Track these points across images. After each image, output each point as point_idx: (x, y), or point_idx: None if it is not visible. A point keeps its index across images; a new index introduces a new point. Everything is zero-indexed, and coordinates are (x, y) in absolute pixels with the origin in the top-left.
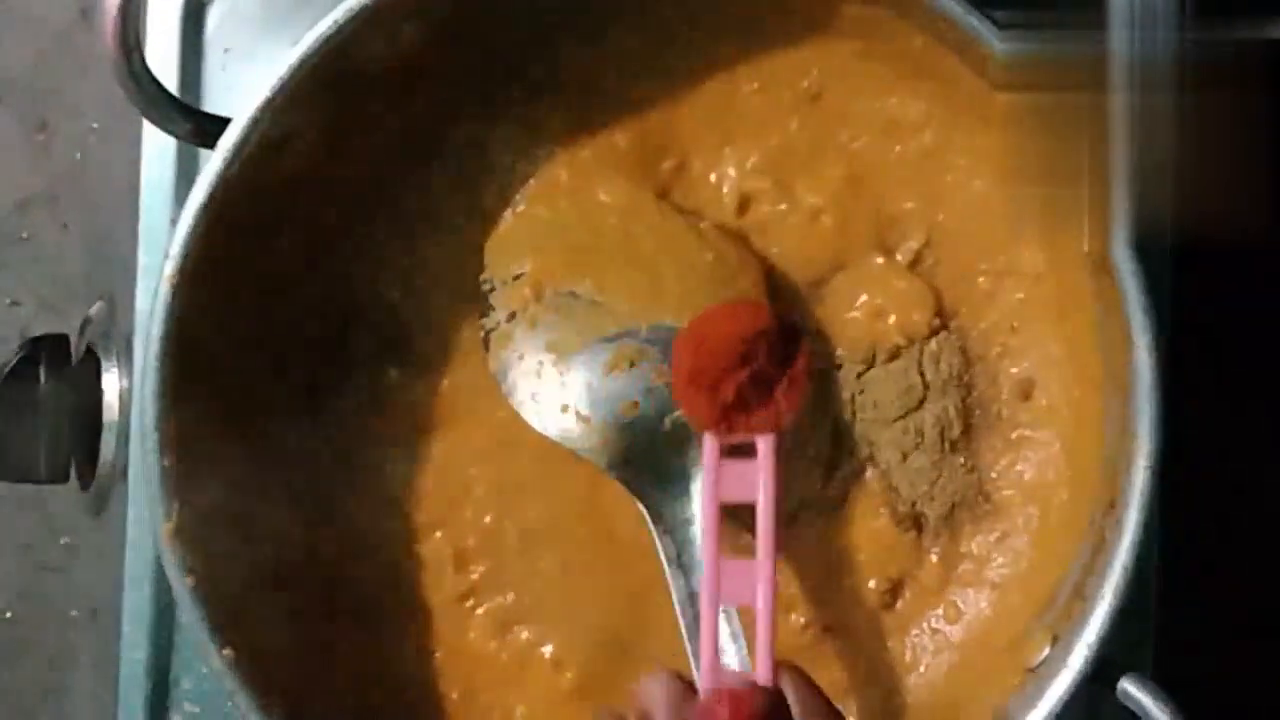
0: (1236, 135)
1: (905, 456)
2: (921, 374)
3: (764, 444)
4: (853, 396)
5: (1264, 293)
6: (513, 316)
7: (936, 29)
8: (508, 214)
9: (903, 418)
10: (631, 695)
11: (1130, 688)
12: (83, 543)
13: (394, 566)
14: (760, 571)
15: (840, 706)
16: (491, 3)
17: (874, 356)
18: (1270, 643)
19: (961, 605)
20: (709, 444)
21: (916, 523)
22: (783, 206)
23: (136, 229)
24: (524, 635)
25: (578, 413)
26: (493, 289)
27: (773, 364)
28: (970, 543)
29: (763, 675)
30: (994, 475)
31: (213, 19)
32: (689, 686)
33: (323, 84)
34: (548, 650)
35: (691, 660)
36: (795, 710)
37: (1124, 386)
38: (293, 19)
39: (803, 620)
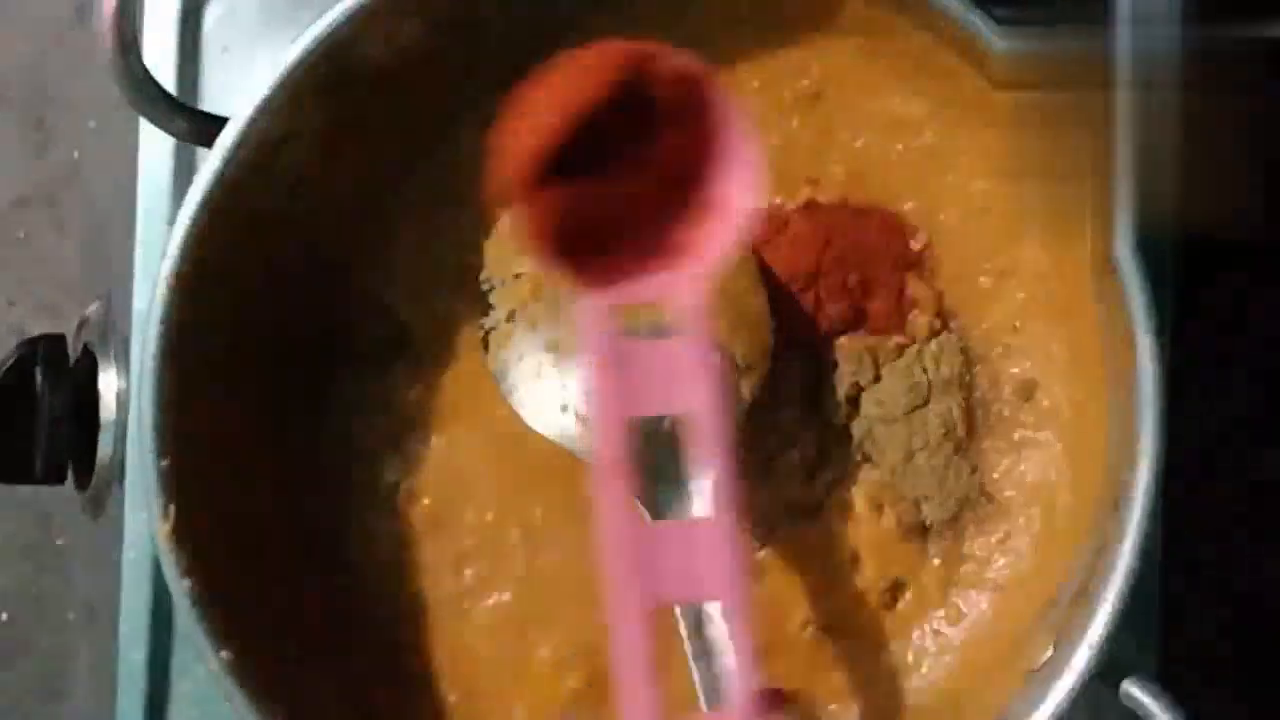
0: (1237, 135)
1: (908, 457)
2: (925, 373)
3: (687, 304)
4: (849, 396)
5: (1266, 292)
6: (512, 316)
7: (937, 27)
8: (508, 213)
9: (907, 416)
10: None
11: (1133, 689)
12: (80, 544)
13: (393, 567)
14: (715, 533)
15: (841, 708)
16: (491, 2)
17: (876, 358)
18: (1274, 644)
19: (963, 606)
20: (589, 315)
21: (918, 524)
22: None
23: (134, 229)
24: (524, 636)
25: (577, 413)
26: (492, 289)
27: (669, 155)
28: (972, 544)
29: (741, 711)
30: (996, 476)
31: (210, 18)
32: None
33: (321, 83)
34: (548, 652)
35: (692, 664)
36: None
37: (1127, 387)
38: (291, 18)
39: (802, 621)
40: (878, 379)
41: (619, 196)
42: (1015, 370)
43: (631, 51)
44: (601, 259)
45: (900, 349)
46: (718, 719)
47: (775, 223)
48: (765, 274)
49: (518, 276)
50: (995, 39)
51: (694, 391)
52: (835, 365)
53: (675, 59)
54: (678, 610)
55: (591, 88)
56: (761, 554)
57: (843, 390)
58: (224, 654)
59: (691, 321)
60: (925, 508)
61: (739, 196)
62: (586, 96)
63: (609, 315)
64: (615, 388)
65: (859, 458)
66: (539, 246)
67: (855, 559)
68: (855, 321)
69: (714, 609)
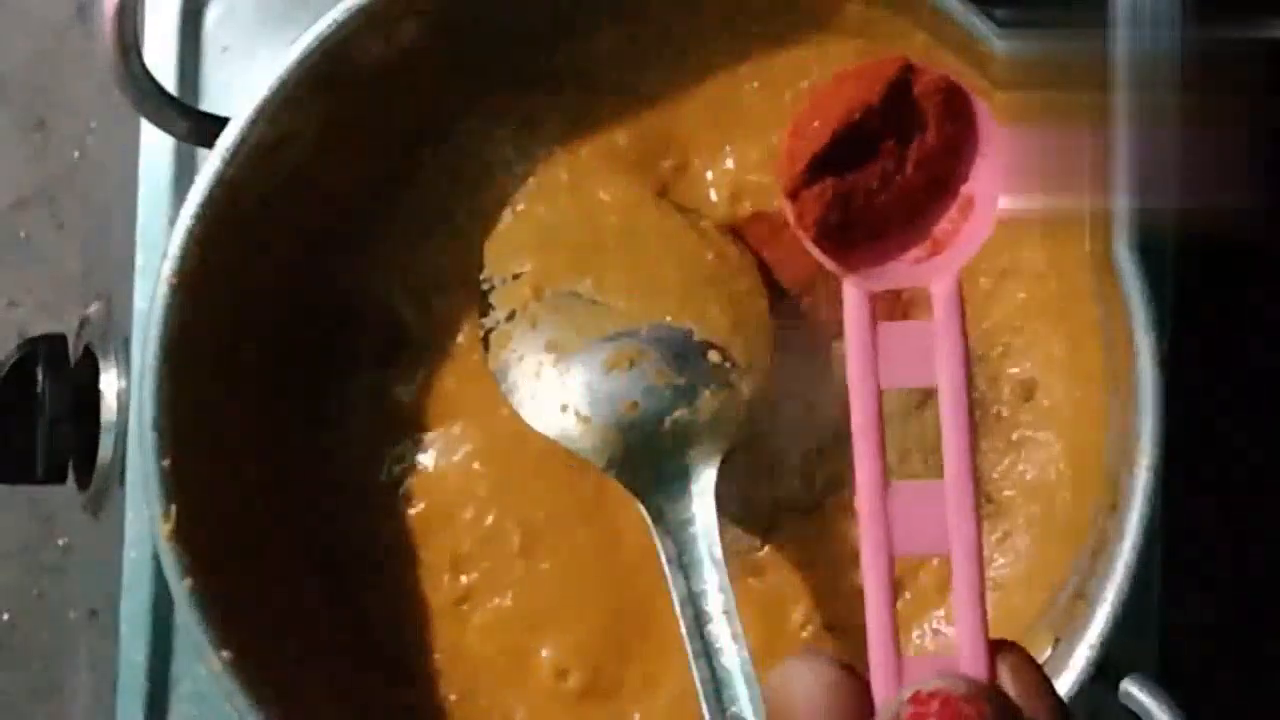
0: (1237, 135)
1: (906, 456)
2: None
3: (940, 290)
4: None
5: (1265, 292)
6: (512, 316)
7: (937, 28)
8: (507, 213)
9: (904, 415)
10: (768, 695)
11: (1133, 688)
12: (80, 544)
13: (393, 567)
14: (954, 498)
15: None
16: (490, 2)
17: None
18: (1273, 643)
19: None
20: (853, 297)
21: None
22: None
23: (134, 229)
24: (524, 638)
25: (577, 412)
26: (492, 288)
27: (927, 156)
28: None
29: (975, 664)
30: (995, 476)
31: (211, 18)
32: (856, 684)
33: (322, 83)
34: (548, 653)
35: (692, 664)
36: (1020, 704)
37: (1126, 387)
38: (291, 18)
39: (802, 619)
40: None
41: (883, 192)
42: (1015, 370)
43: (898, 65)
44: (868, 247)
45: None
46: (949, 663)
47: (775, 223)
48: (766, 274)
49: (518, 276)
50: (995, 40)
51: (945, 368)
52: (834, 365)
53: (935, 73)
54: (678, 609)
55: (863, 96)
56: (761, 553)
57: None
58: (224, 654)
59: (947, 305)
60: None
61: (990, 191)
62: (860, 103)
63: (870, 298)
64: (872, 364)
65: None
66: (811, 233)
67: (855, 559)
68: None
69: (712, 606)
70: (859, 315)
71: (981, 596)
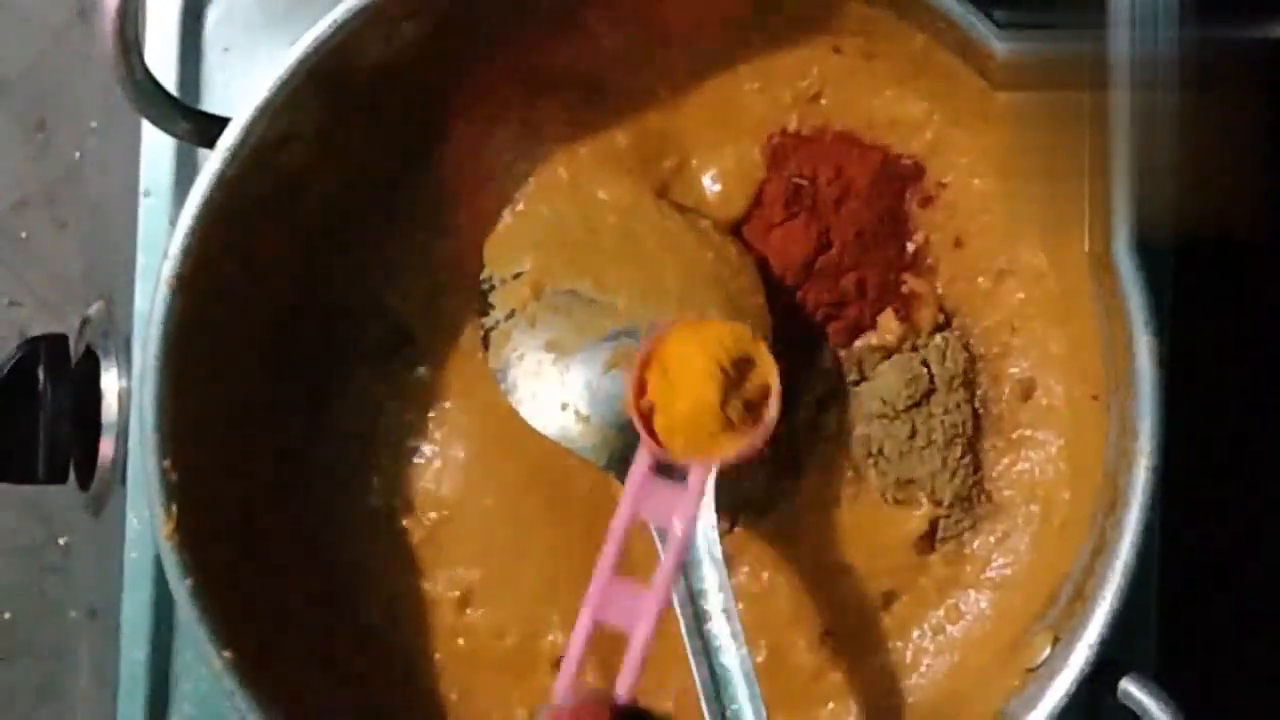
0: (1236, 135)
1: (907, 454)
2: (927, 368)
3: (696, 475)
4: (845, 395)
5: (1265, 293)
6: (512, 315)
7: (937, 29)
8: (507, 213)
9: (907, 412)
10: None
11: (1131, 688)
12: (81, 543)
13: (393, 566)
14: (645, 605)
15: (841, 707)
16: (490, 2)
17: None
18: (1272, 643)
19: (962, 606)
20: (643, 456)
21: (917, 523)
22: None
23: (136, 229)
24: (524, 636)
25: (577, 411)
26: (492, 288)
27: (736, 394)
28: (971, 543)
29: (623, 692)
30: (995, 475)
31: (211, 18)
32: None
33: (322, 83)
34: (547, 651)
35: (692, 659)
36: None
37: (1125, 386)
38: (292, 18)
39: (802, 621)
40: (867, 378)
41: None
42: (1015, 370)
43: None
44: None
45: (896, 347)
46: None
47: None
48: (764, 272)
49: (517, 276)
50: (995, 40)
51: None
52: (832, 365)
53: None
54: (677, 608)
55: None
56: (759, 552)
57: (838, 388)
58: (225, 654)
59: (695, 484)
60: (924, 506)
61: (762, 430)
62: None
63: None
64: (637, 496)
65: (858, 455)
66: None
67: (855, 560)
68: (856, 323)
69: (712, 605)
70: (643, 468)
71: (641, 658)
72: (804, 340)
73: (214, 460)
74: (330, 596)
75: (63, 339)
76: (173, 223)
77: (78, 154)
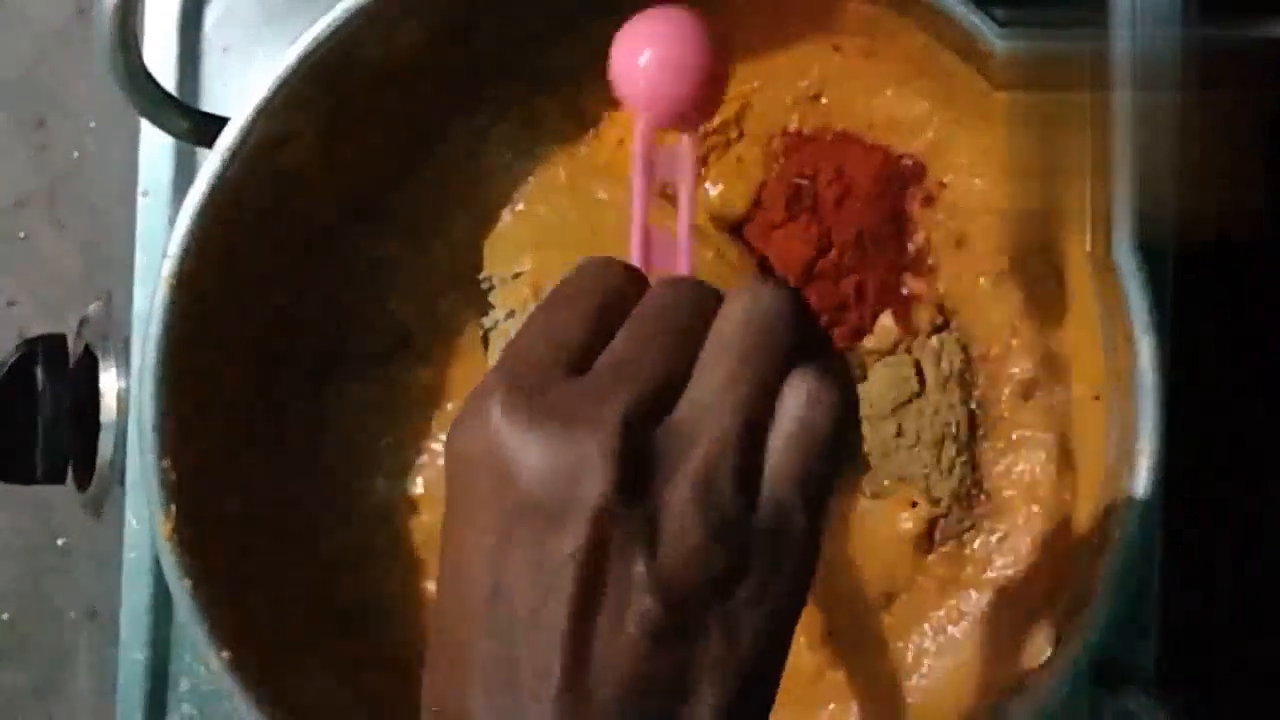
0: (1237, 135)
1: (894, 453)
2: (919, 369)
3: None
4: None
5: (1266, 293)
6: (512, 315)
7: (937, 28)
8: (507, 213)
9: (893, 413)
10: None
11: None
12: (80, 544)
13: (393, 566)
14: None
15: (841, 708)
16: (490, 2)
17: (865, 360)
18: (1271, 643)
19: (962, 606)
20: (643, 122)
21: (917, 523)
22: None
23: (134, 229)
24: None
25: None
26: (492, 288)
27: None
28: (972, 543)
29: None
30: (995, 475)
31: (211, 18)
32: (635, 273)
33: (321, 83)
34: None
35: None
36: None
37: (1125, 387)
38: (291, 18)
39: (802, 621)
40: (864, 379)
41: None
42: (1015, 370)
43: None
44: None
45: (891, 349)
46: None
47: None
48: (765, 273)
49: (517, 276)
50: (995, 40)
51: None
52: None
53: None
54: None
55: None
56: None
57: None
58: (224, 654)
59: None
60: (923, 506)
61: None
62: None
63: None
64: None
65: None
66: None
67: (854, 560)
68: (857, 329)
69: None
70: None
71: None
72: None
73: (214, 460)
74: (330, 595)
75: (61, 339)
76: (171, 222)
77: (77, 154)
